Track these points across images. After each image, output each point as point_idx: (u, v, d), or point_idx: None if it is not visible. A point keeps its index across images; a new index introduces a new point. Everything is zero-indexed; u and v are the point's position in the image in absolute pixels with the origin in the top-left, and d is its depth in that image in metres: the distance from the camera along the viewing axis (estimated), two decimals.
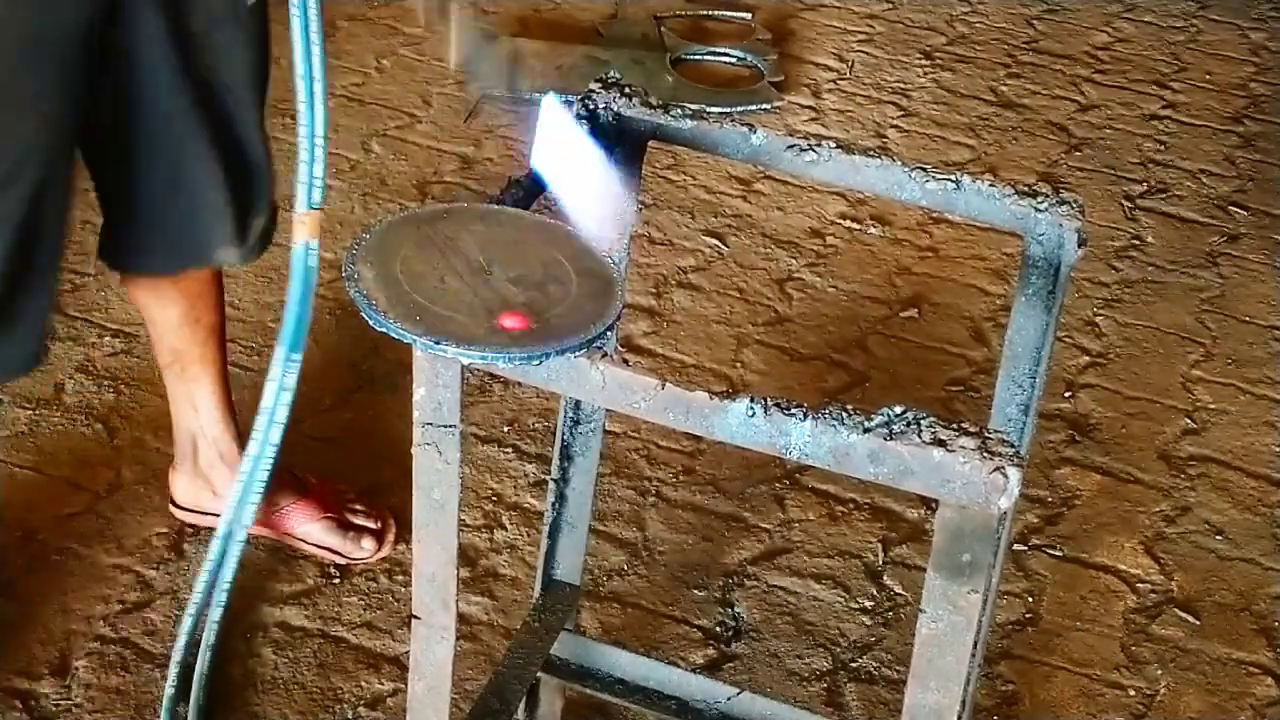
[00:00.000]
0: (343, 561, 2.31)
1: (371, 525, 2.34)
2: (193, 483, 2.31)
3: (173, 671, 2.04)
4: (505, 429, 2.63)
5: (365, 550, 2.31)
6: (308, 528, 2.28)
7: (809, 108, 3.85)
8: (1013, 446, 1.19)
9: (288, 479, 2.30)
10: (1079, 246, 1.52)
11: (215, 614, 2.03)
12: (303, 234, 1.93)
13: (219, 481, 2.29)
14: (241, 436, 2.30)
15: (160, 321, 2.17)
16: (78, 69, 1.78)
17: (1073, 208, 1.52)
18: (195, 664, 2.04)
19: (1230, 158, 3.82)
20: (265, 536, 2.30)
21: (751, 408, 1.22)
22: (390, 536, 2.34)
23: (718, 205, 3.36)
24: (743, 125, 1.58)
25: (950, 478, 1.18)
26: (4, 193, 1.76)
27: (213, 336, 2.19)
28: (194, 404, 2.24)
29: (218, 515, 2.32)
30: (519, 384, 2.67)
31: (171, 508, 2.35)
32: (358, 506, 2.35)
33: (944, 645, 1.28)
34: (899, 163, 1.55)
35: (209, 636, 2.04)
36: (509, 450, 2.59)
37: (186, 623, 2.04)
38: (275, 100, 3.27)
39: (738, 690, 1.83)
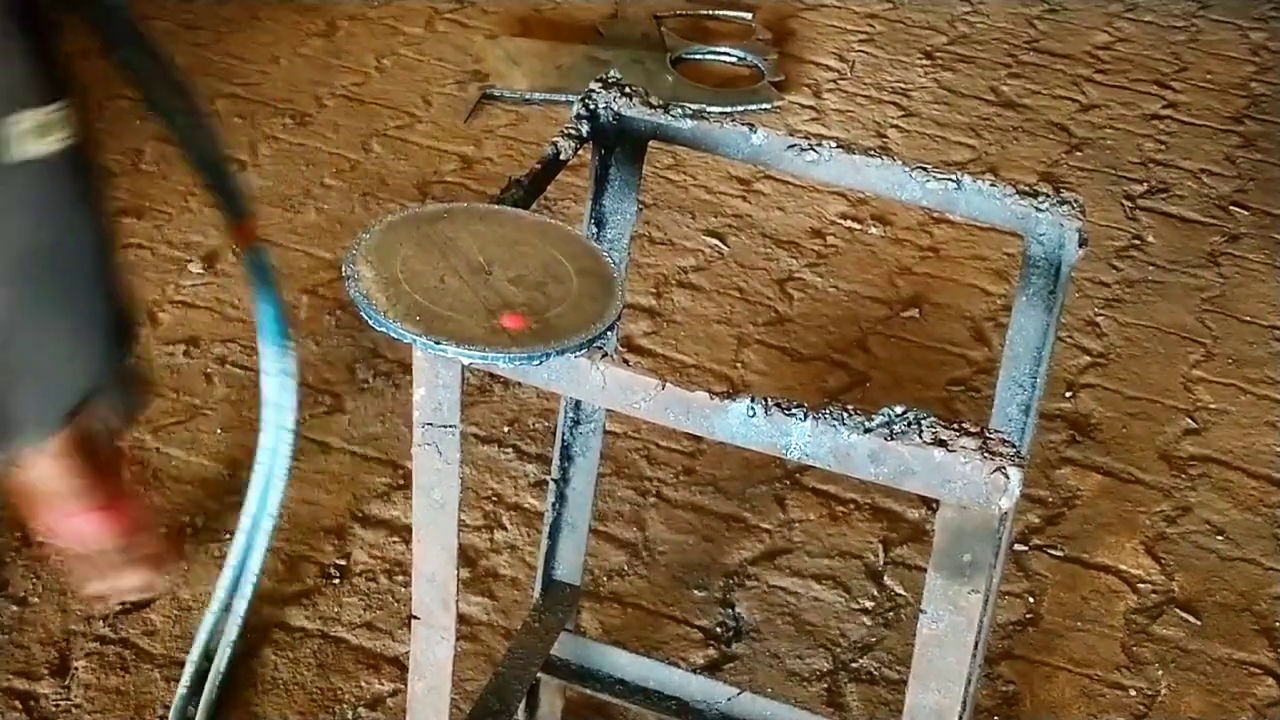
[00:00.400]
0: (103, 589, 2.05)
1: (148, 560, 2.07)
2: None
3: (187, 670, 2.03)
4: (505, 429, 2.63)
5: (128, 585, 2.03)
6: (84, 537, 1.95)
7: (809, 107, 3.85)
8: (1013, 446, 1.19)
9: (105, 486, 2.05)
10: (1080, 246, 1.51)
11: (241, 606, 2.02)
12: (243, 242, 1.91)
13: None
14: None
15: None
16: None
17: (1073, 207, 1.52)
18: (201, 665, 2.03)
19: (1231, 158, 3.82)
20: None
21: (752, 408, 1.22)
22: (163, 575, 2.13)
23: (718, 205, 3.36)
24: (743, 125, 1.58)
25: (951, 478, 1.18)
26: None
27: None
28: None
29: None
30: (519, 384, 2.67)
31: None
32: (145, 538, 2.07)
33: (945, 645, 1.28)
34: (900, 163, 1.55)
35: (230, 634, 2.02)
36: (509, 450, 2.59)
37: (208, 620, 2.02)
38: (274, 99, 3.26)
39: (738, 690, 1.83)
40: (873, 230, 3.33)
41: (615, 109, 1.58)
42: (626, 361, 1.26)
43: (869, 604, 2.38)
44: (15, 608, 2.20)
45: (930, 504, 2.48)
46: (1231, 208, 3.60)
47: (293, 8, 3.97)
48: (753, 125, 1.57)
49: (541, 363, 1.25)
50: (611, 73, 1.62)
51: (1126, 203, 3.58)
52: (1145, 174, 3.71)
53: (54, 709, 2.07)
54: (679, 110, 1.59)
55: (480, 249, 1.33)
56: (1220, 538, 2.59)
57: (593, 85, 1.60)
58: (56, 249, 1.64)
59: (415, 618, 1.52)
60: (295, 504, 2.41)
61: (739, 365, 2.88)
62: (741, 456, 2.56)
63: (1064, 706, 2.26)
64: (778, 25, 4.24)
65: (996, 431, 1.20)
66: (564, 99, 3.65)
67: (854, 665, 2.27)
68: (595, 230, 1.66)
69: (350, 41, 3.87)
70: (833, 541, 2.49)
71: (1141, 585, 2.48)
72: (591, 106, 1.58)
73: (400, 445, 2.54)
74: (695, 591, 2.37)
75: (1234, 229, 3.52)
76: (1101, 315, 3.15)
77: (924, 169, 1.54)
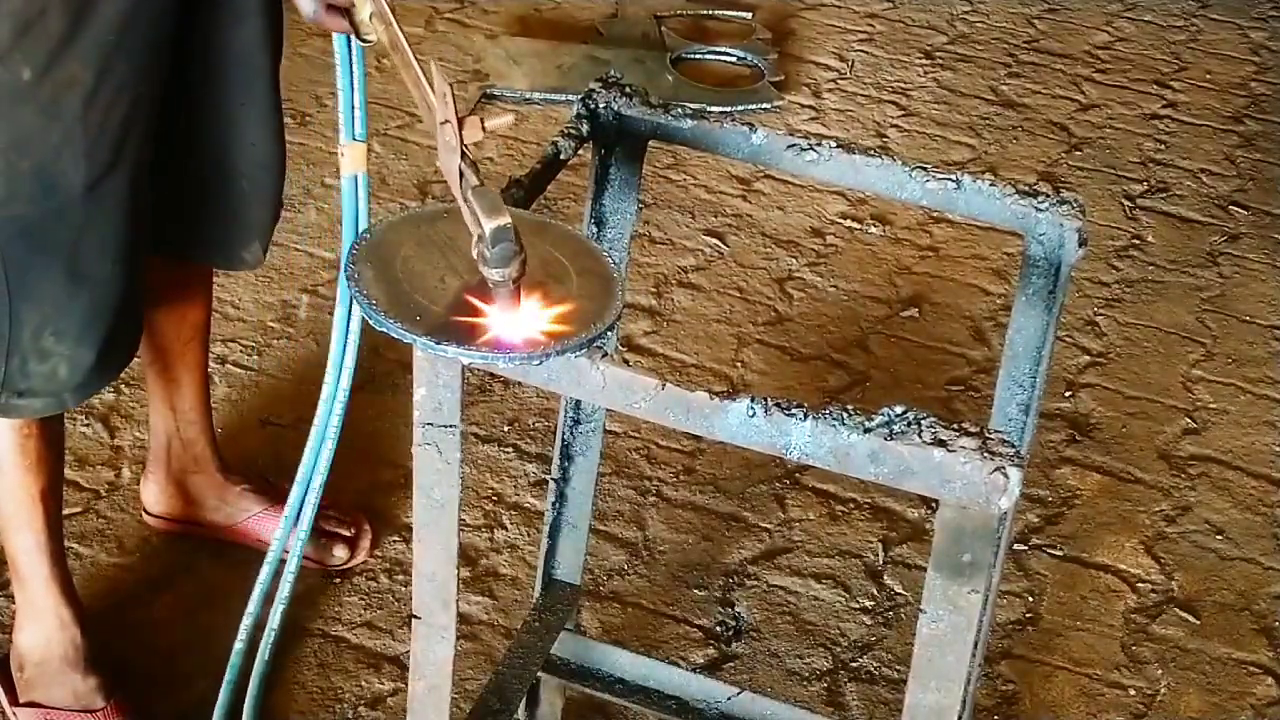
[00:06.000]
0: (314, 568, 2.28)
1: (344, 533, 2.30)
2: (164, 490, 2.27)
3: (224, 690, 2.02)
4: (505, 429, 2.63)
5: (337, 558, 2.27)
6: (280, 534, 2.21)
7: (809, 107, 3.85)
8: (1013, 446, 1.19)
9: (259, 485, 2.28)
10: (1079, 246, 1.52)
11: (286, 588, 2.02)
12: (348, 167, 1.83)
13: (193, 488, 2.26)
14: (216, 443, 2.27)
15: (146, 315, 2.13)
16: (166, 48, 1.73)
17: (1073, 207, 1.52)
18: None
19: (1230, 157, 3.82)
20: (238, 544, 2.26)
21: (752, 408, 1.22)
22: (365, 544, 2.31)
23: (718, 205, 3.36)
24: (743, 125, 1.58)
25: (951, 478, 1.18)
26: (113, 175, 1.68)
27: (197, 336, 2.15)
28: (172, 404, 2.19)
29: (189, 523, 2.28)
30: (519, 384, 2.67)
31: (145, 516, 2.32)
32: (331, 513, 2.28)
33: (944, 645, 1.28)
34: (899, 162, 1.55)
35: (269, 636, 2.03)
36: (509, 450, 2.59)
37: (248, 619, 2.03)
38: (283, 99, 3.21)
39: (738, 690, 1.83)
40: (873, 230, 3.33)
41: (615, 109, 1.58)
42: (626, 361, 1.26)
43: (869, 603, 2.38)
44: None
45: (930, 504, 2.48)
46: (1231, 207, 3.61)
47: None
48: (753, 125, 1.58)
49: (541, 363, 1.25)
50: (612, 72, 1.62)
51: (1126, 202, 3.58)
52: (1145, 174, 3.71)
53: None
54: (679, 110, 1.59)
55: None
56: (1220, 537, 2.59)
57: (593, 85, 1.60)
58: (254, 53, 1.92)
59: (415, 617, 1.52)
60: None
61: (739, 365, 2.88)
62: (741, 456, 2.56)
63: (1063, 706, 2.26)
64: (778, 25, 4.24)
65: (996, 431, 1.20)
66: (564, 99, 3.65)
67: (854, 665, 2.27)
68: (595, 230, 1.66)
69: None
70: (832, 541, 2.49)
71: (1141, 585, 2.48)
72: (591, 106, 1.58)
73: (400, 445, 2.54)
74: (695, 591, 2.37)
75: (1234, 229, 3.52)
76: (1101, 315, 3.15)
77: (924, 169, 1.54)
